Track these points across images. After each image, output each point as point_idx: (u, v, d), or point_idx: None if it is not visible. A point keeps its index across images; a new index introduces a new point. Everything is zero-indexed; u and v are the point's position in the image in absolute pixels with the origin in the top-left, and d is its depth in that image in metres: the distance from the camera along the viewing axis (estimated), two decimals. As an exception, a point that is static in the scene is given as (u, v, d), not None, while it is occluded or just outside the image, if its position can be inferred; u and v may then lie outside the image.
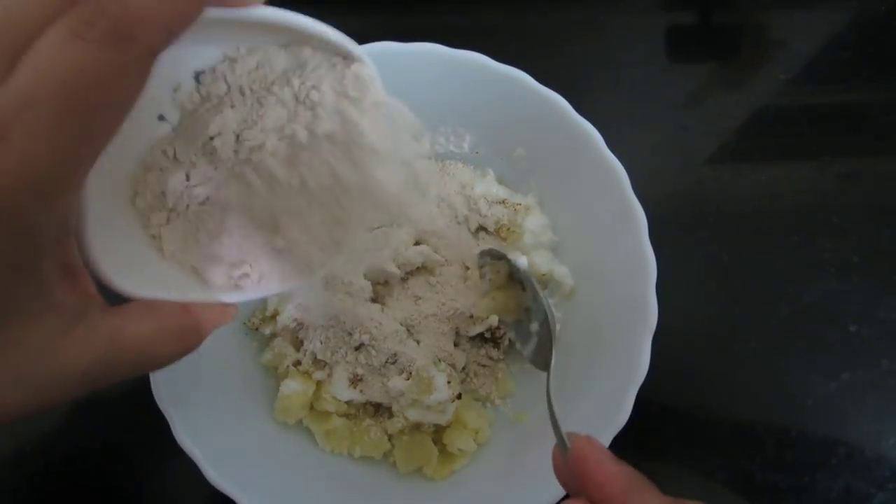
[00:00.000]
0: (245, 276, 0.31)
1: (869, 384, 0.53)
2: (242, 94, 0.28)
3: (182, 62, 0.27)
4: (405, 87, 0.45)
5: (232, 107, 0.28)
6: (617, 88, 0.60)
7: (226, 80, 0.28)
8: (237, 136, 0.28)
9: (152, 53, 0.21)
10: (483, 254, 0.43)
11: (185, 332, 0.29)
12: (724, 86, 0.61)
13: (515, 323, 0.44)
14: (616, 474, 0.29)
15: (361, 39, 0.45)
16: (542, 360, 0.40)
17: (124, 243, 0.28)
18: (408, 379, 0.44)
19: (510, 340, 0.48)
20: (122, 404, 0.50)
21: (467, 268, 0.47)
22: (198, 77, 0.28)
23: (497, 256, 0.42)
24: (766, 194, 0.58)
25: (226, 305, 0.30)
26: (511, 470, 0.44)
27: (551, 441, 0.43)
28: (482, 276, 0.44)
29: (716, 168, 0.58)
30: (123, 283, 0.27)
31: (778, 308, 0.54)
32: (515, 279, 0.43)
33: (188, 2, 0.21)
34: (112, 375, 0.27)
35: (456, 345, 0.47)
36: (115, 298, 0.28)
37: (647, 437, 0.50)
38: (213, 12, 0.23)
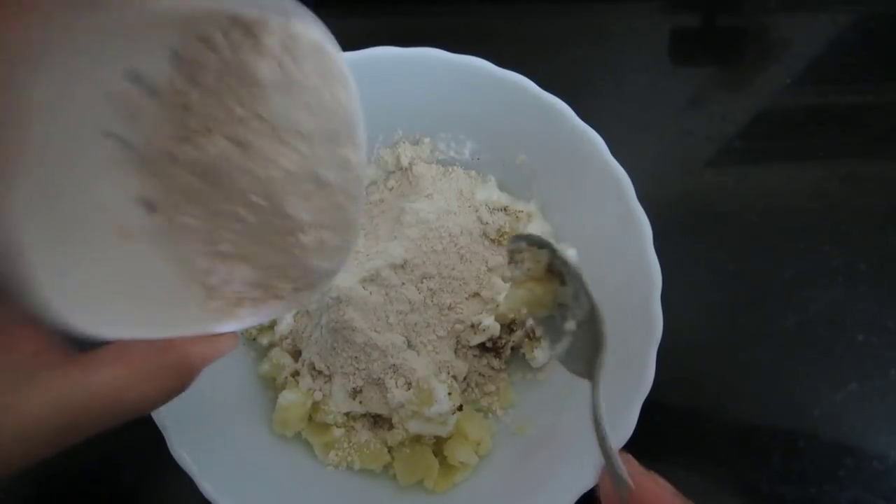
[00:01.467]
0: (243, 297, 0.29)
1: (877, 394, 0.52)
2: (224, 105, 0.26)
3: (100, 67, 0.24)
4: (406, 92, 0.45)
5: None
6: (620, 92, 0.60)
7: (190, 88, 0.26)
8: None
9: None
10: (518, 238, 0.39)
11: (166, 372, 0.26)
12: (728, 89, 0.61)
13: (546, 319, 0.40)
14: None
15: (362, 44, 0.45)
16: (580, 364, 0.37)
17: (86, 278, 0.26)
18: (408, 390, 0.44)
19: (512, 349, 0.47)
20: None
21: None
22: (135, 77, 0.25)
23: (539, 244, 0.38)
24: (772, 199, 0.57)
25: (219, 336, 0.28)
26: (513, 483, 0.43)
27: (554, 453, 0.42)
28: (514, 263, 0.41)
29: (720, 172, 0.58)
30: (82, 321, 0.24)
31: (785, 317, 0.54)
32: (554, 271, 0.39)
33: None
34: (85, 429, 0.25)
35: (456, 354, 0.47)
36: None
37: (652, 446, 0.50)
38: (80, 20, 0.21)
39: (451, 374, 0.46)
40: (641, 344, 0.40)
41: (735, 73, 0.62)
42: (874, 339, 0.53)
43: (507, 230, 0.48)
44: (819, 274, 0.55)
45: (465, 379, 0.47)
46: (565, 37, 0.62)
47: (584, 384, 0.44)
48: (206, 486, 0.39)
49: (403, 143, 0.49)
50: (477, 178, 0.49)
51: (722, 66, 0.63)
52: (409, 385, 0.44)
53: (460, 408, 0.45)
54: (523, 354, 0.47)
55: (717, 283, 0.55)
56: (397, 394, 0.43)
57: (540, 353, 0.45)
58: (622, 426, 0.39)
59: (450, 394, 0.44)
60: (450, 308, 0.46)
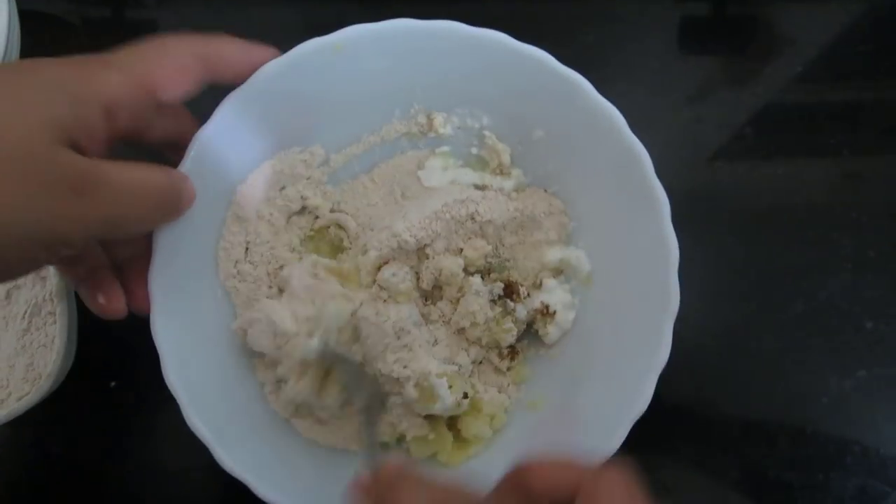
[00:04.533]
0: None
1: (885, 382, 0.54)
2: None
3: None
4: (423, 65, 0.45)
5: None
6: (631, 78, 0.60)
7: None
8: None
9: None
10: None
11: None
12: (739, 78, 0.62)
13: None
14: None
15: (380, 16, 0.45)
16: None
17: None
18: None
19: (527, 327, 0.48)
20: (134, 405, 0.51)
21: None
22: None
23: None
24: (782, 188, 0.58)
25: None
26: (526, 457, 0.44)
27: (567, 427, 0.43)
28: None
29: (731, 161, 0.59)
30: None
31: (793, 304, 0.55)
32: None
33: None
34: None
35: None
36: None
37: (660, 433, 0.51)
38: None
39: (457, 362, 0.46)
40: (658, 317, 0.41)
41: (746, 62, 0.63)
42: (883, 326, 0.54)
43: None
44: (828, 261, 0.56)
45: (474, 361, 0.48)
46: (578, 21, 0.62)
47: (598, 360, 0.44)
48: (223, 456, 0.40)
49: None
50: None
51: (733, 55, 0.63)
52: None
53: (465, 395, 0.45)
54: (536, 331, 0.47)
55: (726, 269, 0.56)
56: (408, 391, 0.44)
57: (553, 330, 0.46)
58: (638, 399, 0.40)
59: (450, 386, 0.44)
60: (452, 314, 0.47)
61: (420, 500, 0.31)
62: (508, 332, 0.46)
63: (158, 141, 0.40)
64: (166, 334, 0.40)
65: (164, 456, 0.52)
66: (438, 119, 0.48)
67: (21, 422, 0.47)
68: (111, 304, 0.40)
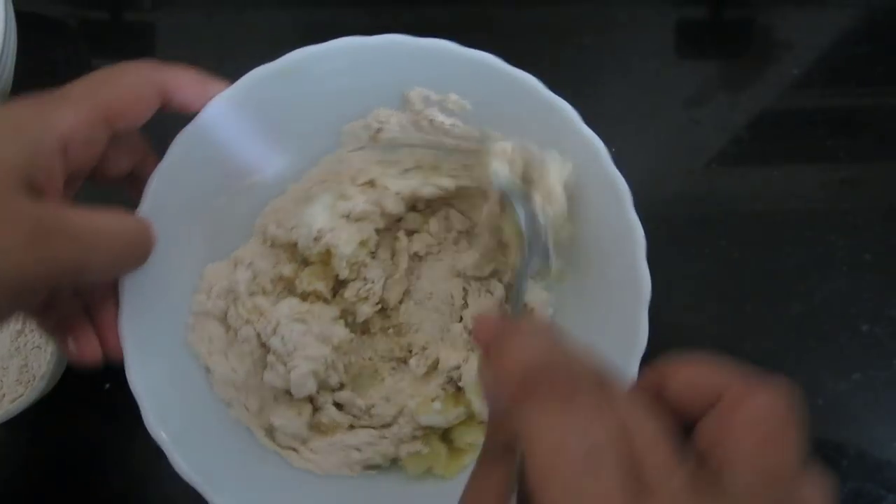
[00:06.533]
0: None
1: (881, 384, 0.54)
2: None
3: None
4: (373, 81, 0.44)
5: None
6: (627, 81, 0.61)
7: None
8: None
9: None
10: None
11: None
12: (736, 81, 0.62)
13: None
14: None
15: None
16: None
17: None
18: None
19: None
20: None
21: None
22: None
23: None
24: (779, 192, 0.58)
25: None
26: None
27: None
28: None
29: (727, 163, 0.59)
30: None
31: (789, 306, 0.55)
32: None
33: None
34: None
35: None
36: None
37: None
38: None
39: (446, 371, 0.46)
40: (632, 305, 0.40)
41: (743, 66, 0.63)
42: (879, 329, 0.54)
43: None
44: (824, 264, 0.56)
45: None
46: (573, 24, 0.63)
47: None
48: (210, 492, 0.39)
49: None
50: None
51: (730, 59, 0.64)
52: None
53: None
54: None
55: (722, 272, 0.56)
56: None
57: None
58: None
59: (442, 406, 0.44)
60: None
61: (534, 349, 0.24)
62: None
63: (118, 174, 0.40)
64: (143, 382, 0.39)
65: (158, 458, 0.52)
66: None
67: (15, 423, 0.48)
68: (83, 351, 0.39)
